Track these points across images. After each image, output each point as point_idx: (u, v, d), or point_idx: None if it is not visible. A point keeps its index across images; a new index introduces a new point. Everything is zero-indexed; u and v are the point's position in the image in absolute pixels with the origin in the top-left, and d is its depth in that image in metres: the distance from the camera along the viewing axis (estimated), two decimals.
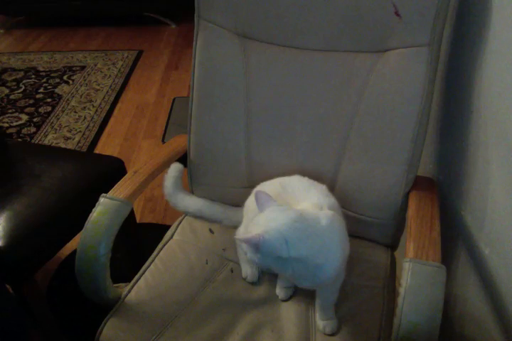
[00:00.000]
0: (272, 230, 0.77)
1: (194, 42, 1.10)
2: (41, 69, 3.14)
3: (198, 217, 1.18)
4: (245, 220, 1.06)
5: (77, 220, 1.04)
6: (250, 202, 1.05)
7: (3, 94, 2.81)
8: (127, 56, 3.32)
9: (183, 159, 1.20)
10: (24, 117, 2.58)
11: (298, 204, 0.91)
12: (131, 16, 3.86)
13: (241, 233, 1.05)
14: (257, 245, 0.76)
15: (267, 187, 1.02)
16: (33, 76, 3.04)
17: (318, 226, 0.81)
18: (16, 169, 1.33)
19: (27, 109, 2.66)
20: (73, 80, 2.99)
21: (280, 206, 0.83)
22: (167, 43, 3.54)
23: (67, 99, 2.77)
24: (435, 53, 0.93)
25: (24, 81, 2.98)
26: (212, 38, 1.08)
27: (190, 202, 1.19)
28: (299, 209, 0.85)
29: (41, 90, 2.87)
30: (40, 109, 2.66)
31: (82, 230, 0.94)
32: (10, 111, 2.64)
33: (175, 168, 1.16)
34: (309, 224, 0.80)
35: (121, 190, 1.00)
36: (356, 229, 1.08)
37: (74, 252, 1.07)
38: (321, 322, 0.92)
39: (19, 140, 2.35)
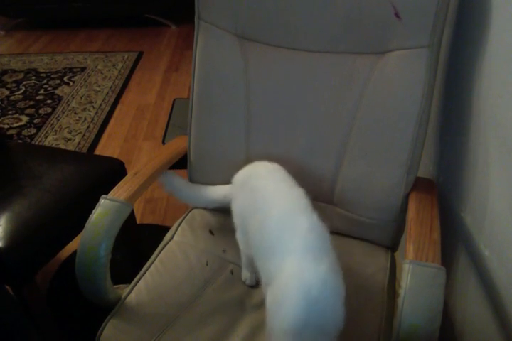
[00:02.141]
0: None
1: (194, 44, 1.10)
2: (41, 70, 3.14)
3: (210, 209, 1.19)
4: (237, 220, 1.02)
5: (77, 221, 1.04)
6: (238, 203, 1.01)
7: (4, 96, 2.81)
8: (127, 57, 3.33)
9: (183, 160, 1.20)
10: (24, 118, 2.59)
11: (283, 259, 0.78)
12: (132, 18, 3.86)
13: (240, 239, 1.03)
14: None
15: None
16: (34, 77, 3.04)
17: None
18: (16, 170, 1.33)
19: (27, 111, 2.66)
20: (73, 82, 2.99)
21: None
22: (167, 45, 3.54)
23: (68, 101, 2.77)
24: (435, 55, 0.93)
25: (24, 82, 2.98)
26: (213, 40, 1.08)
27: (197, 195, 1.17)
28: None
29: (41, 92, 2.87)
30: (40, 111, 2.66)
31: (82, 231, 0.94)
32: (10, 112, 2.64)
33: (167, 176, 1.13)
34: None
35: (121, 191, 1.00)
36: (356, 231, 1.08)
37: (74, 253, 1.07)
38: None
39: (19, 141, 2.35)
